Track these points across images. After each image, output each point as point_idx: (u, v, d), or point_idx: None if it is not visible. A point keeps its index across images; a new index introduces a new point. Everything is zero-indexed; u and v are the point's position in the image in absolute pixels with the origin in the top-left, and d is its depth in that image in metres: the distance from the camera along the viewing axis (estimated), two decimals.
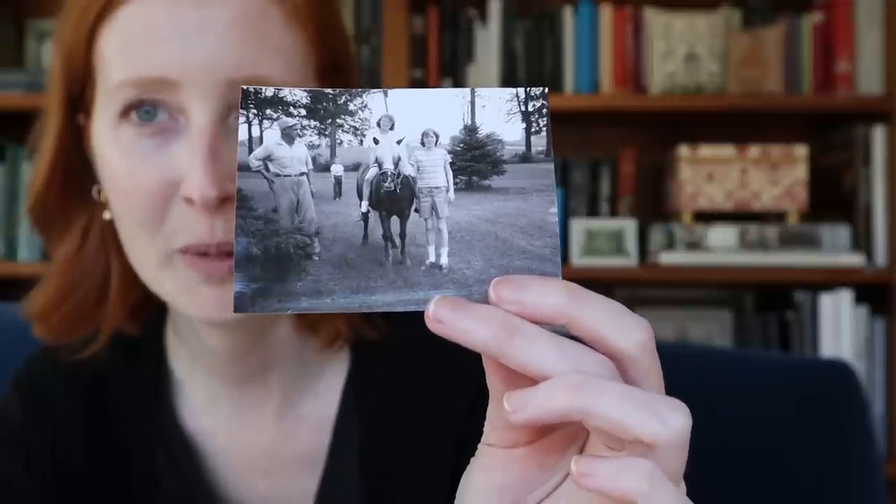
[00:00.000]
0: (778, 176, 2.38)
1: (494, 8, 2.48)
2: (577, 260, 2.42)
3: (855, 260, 2.35)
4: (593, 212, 2.49)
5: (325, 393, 0.81)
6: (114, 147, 0.69)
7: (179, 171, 0.67)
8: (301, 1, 0.70)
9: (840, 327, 2.36)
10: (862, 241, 2.39)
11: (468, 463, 0.73)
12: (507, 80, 2.47)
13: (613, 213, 2.49)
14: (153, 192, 0.68)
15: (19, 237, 2.44)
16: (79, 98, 0.73)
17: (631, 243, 2.42)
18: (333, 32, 0.73)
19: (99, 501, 0.80)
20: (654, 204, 2.58)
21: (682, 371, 1.22)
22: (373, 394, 0.79)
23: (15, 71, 2.48)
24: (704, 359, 1.27)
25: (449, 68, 2.48)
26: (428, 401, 0.79)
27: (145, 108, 0.68)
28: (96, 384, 0.82)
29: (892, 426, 2.37)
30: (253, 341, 0.77)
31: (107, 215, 0.74)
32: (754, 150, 2.39)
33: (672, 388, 1.29)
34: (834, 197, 2.48)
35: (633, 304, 2.60)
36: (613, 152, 2.54)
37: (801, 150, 2.39)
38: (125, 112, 0.69)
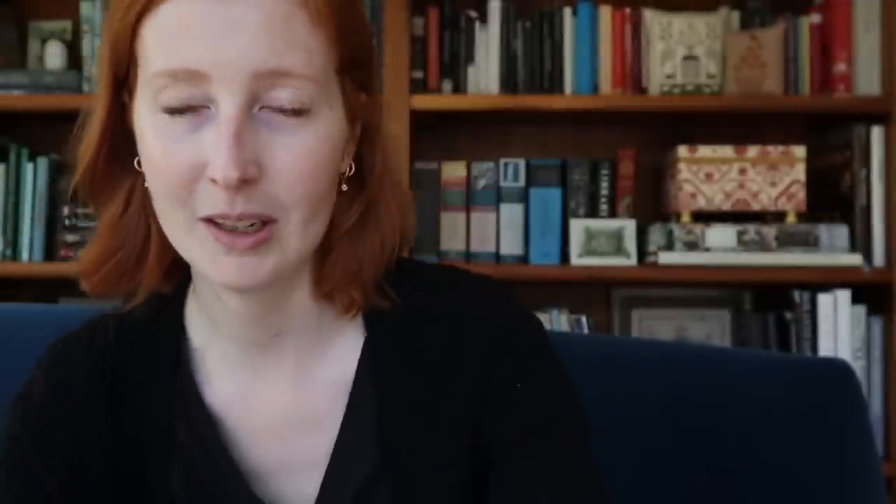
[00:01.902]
0: (776, 176, 2.39)
1: (494, 8, 2.48)
2: (577, 260, 2.43)
3: (853, 260, 2.36)
4: (593, 212, 2.49)
5: (340, 360, 0.86)
6: (151, 129, 0.76)
7: (207, 154, 0.74)
8: (323, 5, 0.76)
9: (838, 327, 2.37)
10: (860, 242, 2.40)
11: (484, 446, 0.84)
12: (507, 81, 2.48)
13: (613, 213, 2.50)
14: (183, 172, 0.75)
15: (22, 237, 2.45)
16: (124, 80, 0.80)
17: (630, 243, 2.43)
18: (354, 32, 0.79)
19: (116, 473, 0.86)
20: (653, 204, 2.59)
21: (681, 370, 1.23)
22: (388, 362, 0.85)
23: (17, 72, 2.49)
24: (703, 358, 1.28)
25: (449, 69, 2.48)
26: (440, 372, 0.85)
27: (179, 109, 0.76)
28: (118, 360, 0.87)
29: (890, 426, 2.38)
30: (272, 306, 0.84)
31: (147, 181, 0.80)
32: (753, 151, 2.40)
33: (671, 388, 1.31)
34: (832, 197, 2.49)
35: (632, 303, 2.61)
36: (613, 153, 2.54)
37: (800, 151, 2.40)
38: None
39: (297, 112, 0.75)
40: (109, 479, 0.86)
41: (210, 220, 0.76)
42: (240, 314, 0.83)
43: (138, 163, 0.81)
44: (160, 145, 0.76)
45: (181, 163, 0.75)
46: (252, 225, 0.76)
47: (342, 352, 0.87)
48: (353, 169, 0.83)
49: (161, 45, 0.75)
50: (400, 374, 0.85)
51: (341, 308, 0.85)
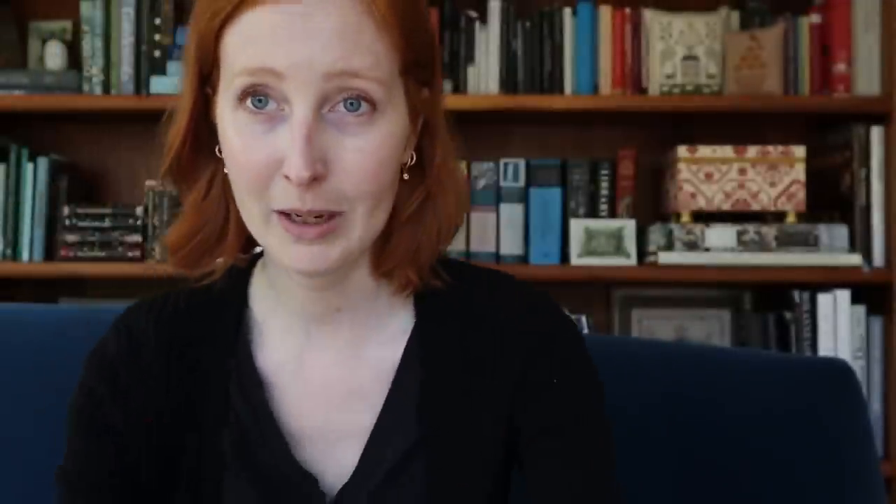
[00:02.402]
0: (776, 176, 2.39)
1: (494, 8, 2.49)
2: (577, 260, 2.43)
3: (853, 260, 2.36)
4: (593, 212, 2.49)
5: (391, 340, 0.94)
6: (232, 126, 0.84)
7: (282, 152, 0.82)
8: (389, 14, 0.82)
9: (838, 327, 2.37)
10: (860, 242, 2.40)
11: (519, 443, 0.91)
12: (507, 81, 2.48)
13: (613, 213, 2.50)
14: (261, 167, 0.82)
15: (22, 237, 2.45)
16: (208, 76, 0.88)
17: (630, 243, 2.43)
18: (417, 35, 0.86)
19: (175, 425, 0.93)
20: (653, 204, 2.59)
21: (680, 370, 1.23)
22: (435, 347, 0.92)
23: (18, 72, 2.49)
24: (703, 358, 1.28)
25: (449, 69, 2.48)
26: (482, 363, 0.92)
27: (258, 97, 0.82)
28: (184, 326, 0.95)
29: (890, 426, 2.38)
30: (335, 284, 0.91)
31: (227, 169, 0.88)
32: (753, 151, 2.40)
33: (671, 387, 1.31)
34: (832, 197, 2.49)
35: (632, 303, 2.61)
36: (613, 153, 2.55)
37: (800, 151, 2.40)
38: (242, 97, 0.83)
39: (365, 109, 0.82)
40: (170, 436, 0.92)
41: (283, 213, 0.84)
42: (305, 291, 0.91)
43: (219, 150, 0.88)
44: (240, 142, 0.83)
45: (259, 159, 0.82)
46: (321, 216, 0.83)
47: (393, 333, 0.94)
48: (415, 159, 0.90)
49: (242, 49, 0.82)
50: (445, 359, 0.92)
51: (398, 287, 0.92)
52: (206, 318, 0.95)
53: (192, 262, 0.92)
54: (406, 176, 0.89)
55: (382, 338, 0.94)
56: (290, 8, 0.80)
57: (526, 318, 0.93)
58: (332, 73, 0.81)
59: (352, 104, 0.82)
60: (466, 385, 0.92)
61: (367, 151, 0.82)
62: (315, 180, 0.81)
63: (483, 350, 0.92)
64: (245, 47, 0.82)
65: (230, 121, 0.84)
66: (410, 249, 0.90)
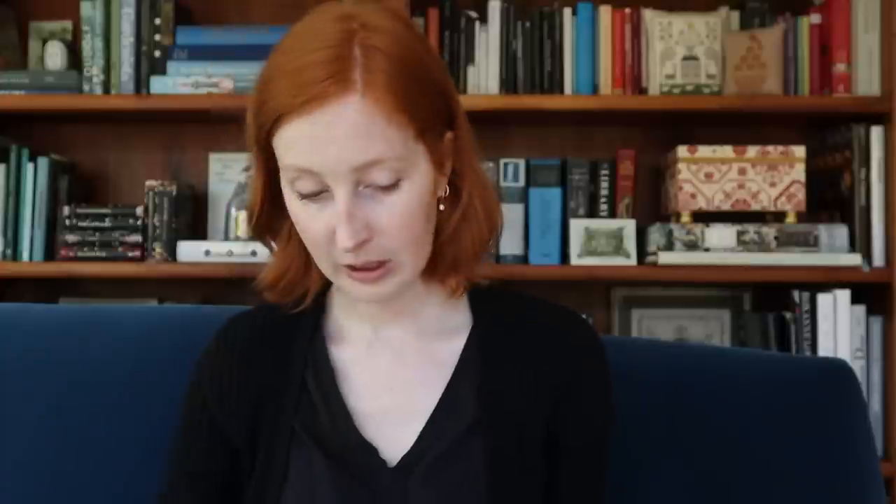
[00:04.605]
0: (776, 176, 2.39)
1: (494, 8, 2.49)
2: (577, 260, 2.43)
3: (853, 260, 2.36)
4: (592, 212, 2.50)
5: (451, 335, 1.09)
6: (292, 204, 1.01)
7: (333, 225, 0.99)
8: (394, 106, 0.96)
9: (838, 327, 2.37)
10: (860, 242, 2.40)
11: (555, 439, 1.06)
12: (507, 81, 2.48)
13: (613, 213, 2.50)
14: (319, 236, 1.00)
15: (22, 237, 2.45)
16: (272, 154, 1.03)
17: (630, 243, 2.43)
18: (427, 99, 1.00)
19: (259, 405, 1.08)
20: (652, 204, 2.59)
21: (680, 370, 1.23)
22: (492, 340, 1.08)
23: (18, 72, 2.49)
24: (703, 358, 1.28)
25: (449, 69, 2.48)
26: (532, 359, 1.06)
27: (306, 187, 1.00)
28: (273, 328, 1.12)
29: (889, 426, 2.39)
30: (394, 296, 1.06)
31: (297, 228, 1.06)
32: (753, 151, 2.40)
33: (671, 387, 1.31)
34: (832, 197, 2.49)
35: (632, 303, 2.61)
36: (612, 153, 2.55)
37: (800, 151, 2.40)
38: (293, 183, 1.00)
39: (391, 182, 0.97)
40: (254, 415, 1.08)
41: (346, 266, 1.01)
42: (369, 304, 1.08)
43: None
44: (300, 217, 1.01)
45: (317, 232, 1.00)
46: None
47: (453, 330, 1.09)
48: (448, 192, 1.04)
49: (286, 152, 0.99)
50: (500, 352, 1.07)
51: (450, 292, 1.07)
52: (291, 321, 1.11)
53: (284, 297, 1.10)
54: (442, 207, 1.03)
55: (442, 334, 1.09)
56: (316, 118, 0.96)
57: (569, 330, 1.09)
58: (356, 166, 0.96)
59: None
60: (519, 376, 1.06)
61: (398, 213, 0.98)
62: (362, 242, 0.98)
63: (531, 349, 1.07)
64: (287, 151, 0.98)
65: (290, 199, 1.01)
66: (453, 262, 1.05)
